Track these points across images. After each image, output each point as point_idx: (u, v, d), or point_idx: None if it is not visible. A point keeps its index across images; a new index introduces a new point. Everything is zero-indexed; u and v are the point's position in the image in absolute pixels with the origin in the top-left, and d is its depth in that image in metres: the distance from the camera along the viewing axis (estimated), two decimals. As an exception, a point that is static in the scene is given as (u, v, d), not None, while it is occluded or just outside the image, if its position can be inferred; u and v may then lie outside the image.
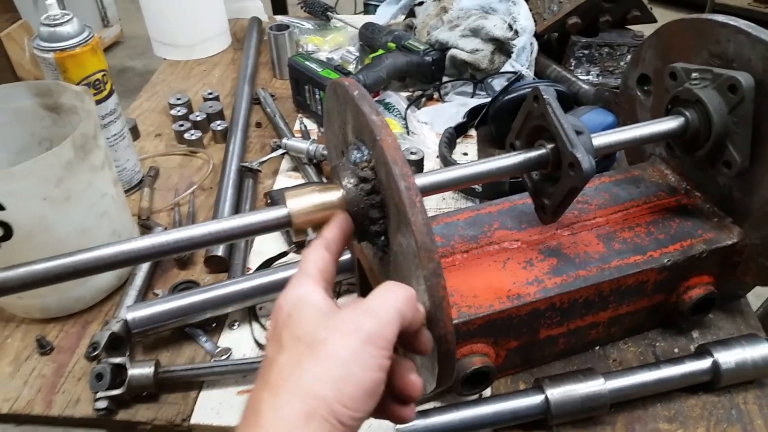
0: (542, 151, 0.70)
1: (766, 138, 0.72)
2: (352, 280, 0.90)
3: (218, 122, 1.27)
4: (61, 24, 0.98)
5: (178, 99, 1.33)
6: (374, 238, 0.65)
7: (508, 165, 0.70)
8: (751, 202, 0.76)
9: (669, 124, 0.75)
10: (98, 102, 1.03)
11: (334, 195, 0.65)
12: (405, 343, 0.51)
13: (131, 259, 0.62)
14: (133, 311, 0.83)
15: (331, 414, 0.42)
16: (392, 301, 0.48)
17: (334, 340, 0.45)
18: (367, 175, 0.63)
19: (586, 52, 1.30)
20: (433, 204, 1.08)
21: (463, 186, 0.69)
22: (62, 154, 0.80)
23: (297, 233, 0.65)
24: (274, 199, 1.06)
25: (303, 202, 0.65)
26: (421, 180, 0.66)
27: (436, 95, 1.36)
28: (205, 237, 0.64)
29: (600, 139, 0.72)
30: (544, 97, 0.68)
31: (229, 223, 0.65)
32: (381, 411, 0.50)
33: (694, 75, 0.75)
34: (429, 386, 0.62)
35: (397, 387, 0.50)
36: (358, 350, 0.44)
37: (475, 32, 1.30)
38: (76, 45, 0.98)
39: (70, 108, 0.93)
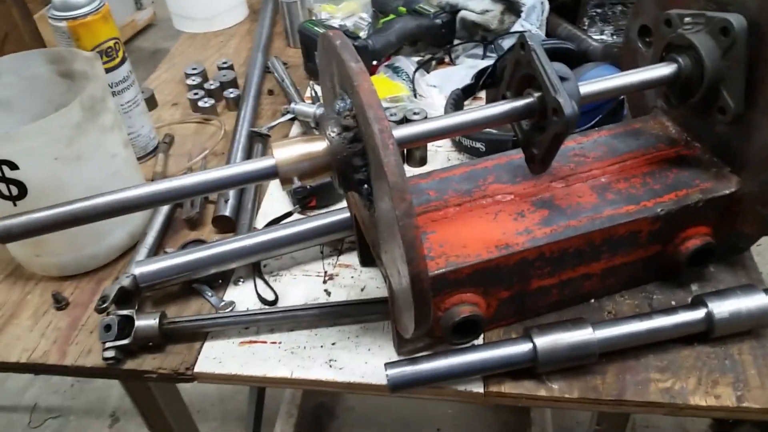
0: (529, 99, 0.70)
1: (761, 82, 0.70)
2: (353, 237, 0.91)
3: (231, 90, 1.29)
4: (73, -7, 1.01)
5: (194, 69, 1.36)
6: (358, 186, 0.67)
7: (494, 114, 0.70)
8: (749, 149, 0.74)
9: (661, 71, 0.74)
10: (111, 69, 1.07)
11: (319, 145, 0.67)
12: None
13: (125, 208, 0.65)
14: (141, 266, 0.86)
15: None
16: None
17: None
18: (349, 123, 0.65)
19: (599, 10, 1.28)
20: (438, 165, 1.08)
21: (447, 136, 0.70)
22: (71, 115, 0.84)
23: (283, 182, 0.67)
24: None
25: (288, 152, 0.67)
26: (403, 130, 0.67)
27: (447, 58, 1.35)
28: (195, 186, 0.66)
29: (587, 87, 0.71)
30: (529, 43, 0.68)
31: (218, 172, 0.67)
32: None
33: (687, 20, 0.74)
34: (410, 328, 0.64)
35: None
36: None
37: (484, -7, 1.29)
38: (87, 13, 1.02)
39: (82, 74, 0.96)
